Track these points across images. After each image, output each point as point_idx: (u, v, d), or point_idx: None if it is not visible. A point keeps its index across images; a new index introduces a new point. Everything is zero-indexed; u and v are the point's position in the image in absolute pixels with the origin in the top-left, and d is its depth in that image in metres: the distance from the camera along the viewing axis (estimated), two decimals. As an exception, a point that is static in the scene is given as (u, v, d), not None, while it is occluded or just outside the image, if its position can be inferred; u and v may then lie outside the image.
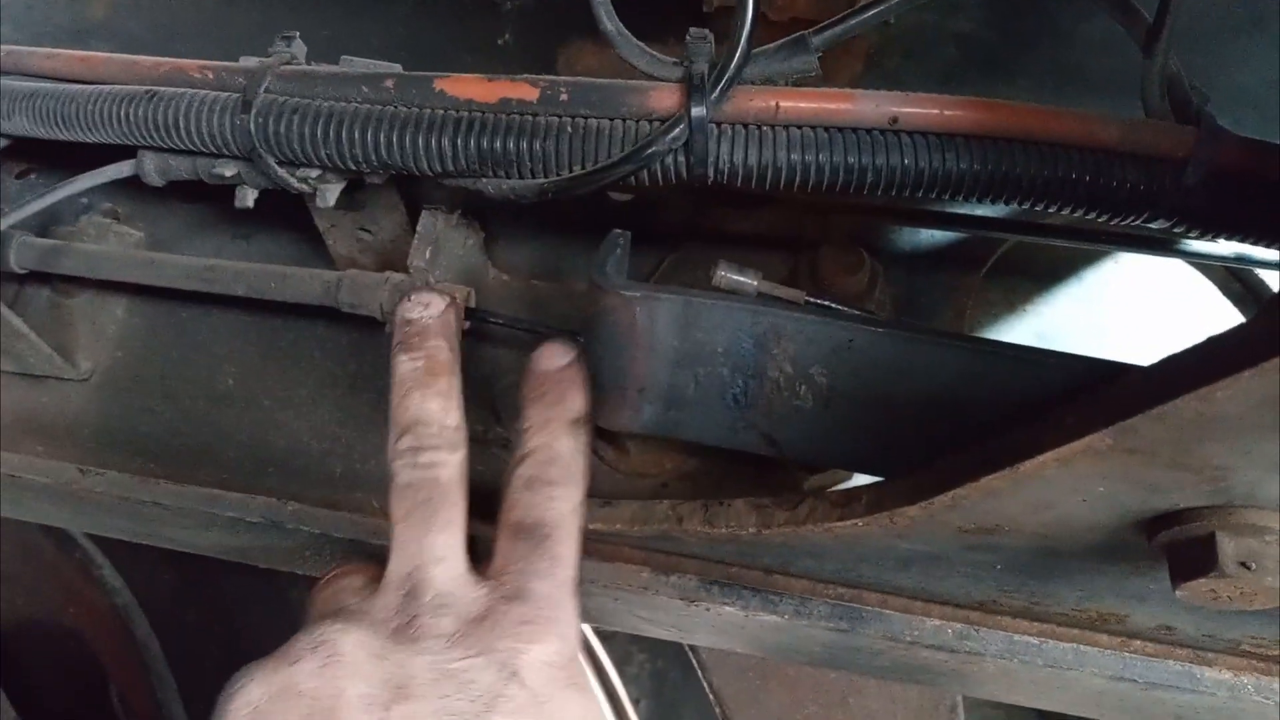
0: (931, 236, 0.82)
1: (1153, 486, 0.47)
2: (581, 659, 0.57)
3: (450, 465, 0.59)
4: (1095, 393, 0.50)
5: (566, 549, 0.58)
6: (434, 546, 0.56)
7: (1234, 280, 0.83)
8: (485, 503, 0.63)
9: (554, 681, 0.53)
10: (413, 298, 0.63)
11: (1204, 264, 0.81)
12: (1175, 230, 0.59)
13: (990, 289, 0.84)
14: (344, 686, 0.50)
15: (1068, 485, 0.48)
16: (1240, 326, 0.42)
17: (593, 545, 0.66)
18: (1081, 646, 0.62)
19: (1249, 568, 0.47)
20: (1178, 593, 0.49)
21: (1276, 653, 0.64)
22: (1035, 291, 0.85)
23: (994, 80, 0.85)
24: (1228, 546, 0.47)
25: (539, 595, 0.55)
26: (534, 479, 0.59)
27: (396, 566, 0.56)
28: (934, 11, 0.84)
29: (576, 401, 0.62)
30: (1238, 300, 0.83)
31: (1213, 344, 0.43)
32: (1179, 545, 0.49)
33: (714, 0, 0.78)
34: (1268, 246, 0.59)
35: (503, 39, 0.91)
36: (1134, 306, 0.85)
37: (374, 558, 0.60)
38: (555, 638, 0.54)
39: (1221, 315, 0.83)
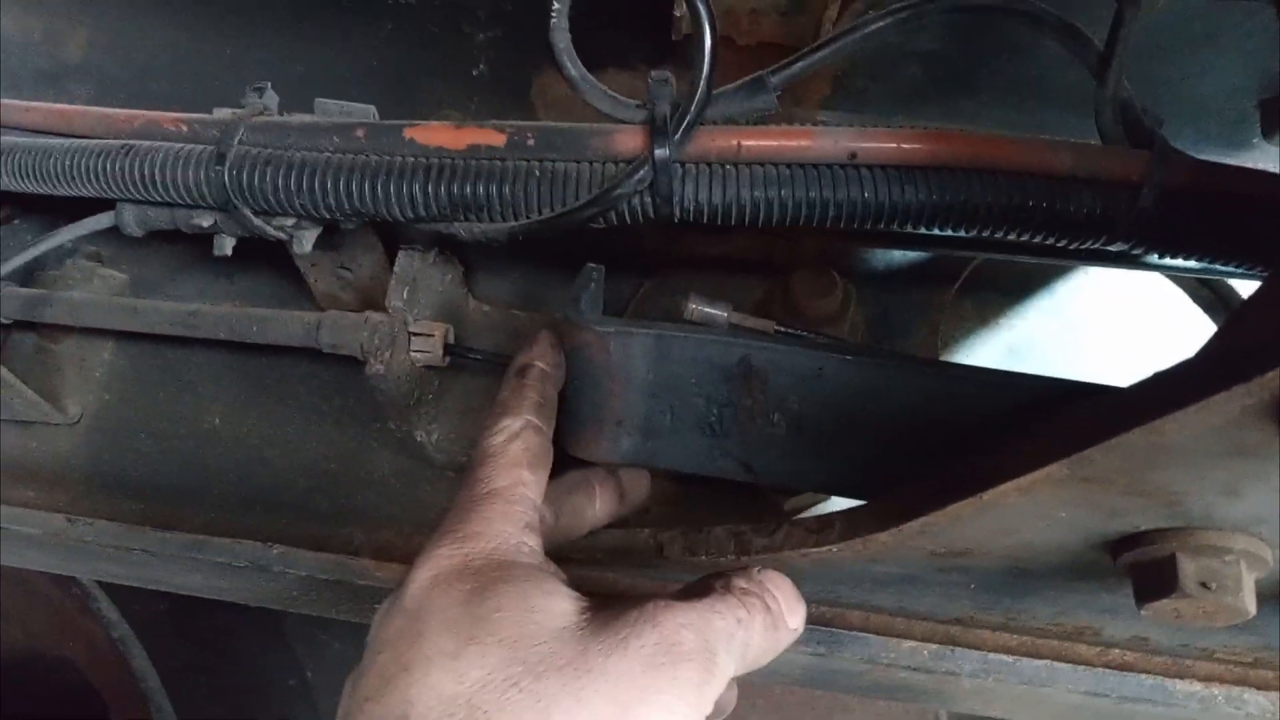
0: (903, 255, 0.83)
1: (1112, 511, 0.48)
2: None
3: None
4: (1054, 421, 0.52)
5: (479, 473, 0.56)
6: None
7: (1203, 288, 0.84)
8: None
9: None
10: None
11: (1173, 274, 0.82)
12: (1134, 252, 0.60)
13: (962, 304, 0.85)
14: None
15: (1031, 511, 0.49)
16: (1187, 361, 0.43)
17: (576, 574, 0.67)
18: (1055, 664, 0.63)
19: (1209, 588, 0.48)
20: (1142, 612, 0.50)
21: (1250, 660, 0.66)
22: (1007, 305, 0.86)
23: (958, 97, 0.86)
24: (1188, 568, 0.48)
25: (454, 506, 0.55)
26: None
27: None
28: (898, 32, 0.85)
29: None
30: (1208, 307, 0.84)
31: (1162, 377, 0.44)
32: (1141, 566, 0.50)
33: (681, 28, 0.79)
34: (1225, 264, 0.61)
35: (477, 69, 0.92)
36: (1105, 317, 0.86)
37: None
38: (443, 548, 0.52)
39: (1192, 323, 0.84)
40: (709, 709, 0.48)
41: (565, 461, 0.71)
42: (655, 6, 0.77)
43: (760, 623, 0.52)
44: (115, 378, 0.83)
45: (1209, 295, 0.84)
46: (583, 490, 0.66)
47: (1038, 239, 0.60)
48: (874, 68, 0.86)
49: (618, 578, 0.70)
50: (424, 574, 0.50)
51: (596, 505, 0.66)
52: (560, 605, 0.49)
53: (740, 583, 0.53)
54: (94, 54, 0.95)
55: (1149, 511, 0.47)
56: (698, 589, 0.53)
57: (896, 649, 0.64)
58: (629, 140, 0.58)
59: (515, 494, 0.55)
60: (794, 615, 0.54)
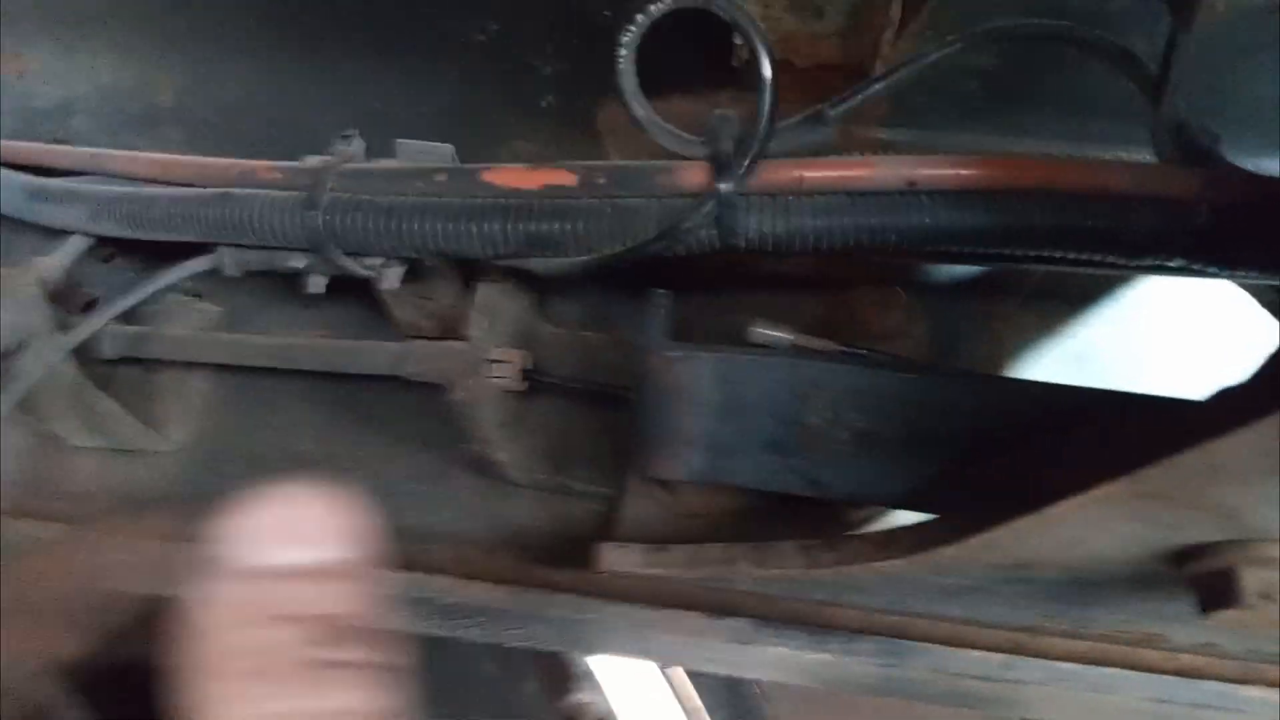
0: (965, 269, 0.85)
1: (1171, 525, 0.49)
2: None
3: None
4: (1115, 439, 0.53)
5: None
6: None
7: (1273, 293, 0.83)
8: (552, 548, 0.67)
9: None
10: None
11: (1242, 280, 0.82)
12: (1193, 269, 0.61)
13: (1025, 315, 0.86)
14: None
15: (1092, 525, 0.51)
16: (1244, 382, 0.45)
17: (649, 589, 0.70)
18: (1122, 671, 0.64)
19: (1271, 599, 0.49)
20: (1208, 623, 0.52)
21: (1322, 664, 0.66)
22: (1071, 315, 0.86)
23: (1017, 112, 0.87)
24: (1249, 580, 0.49)
25: None
26: None
27: None
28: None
29: None
30: (1277, 313, 0.84)
31: (1218, 398, 0.46)
32: (1203, 578, 0.52)
33: (742, 55, 0.81)
34: (1283, 280, 0.61)
35: (545, 101, 0.95)
36: (1172, 324, 0.86)
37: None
38: None
39: (1261, 330, 0.84)
40: None
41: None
42: (716, 32, 0.80)
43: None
44: (212, 406, 0.87)
45: (1277, 300, 0.83)
46: None
47: (1096, 258, 0.61)
48: (932, 85, 0.87)
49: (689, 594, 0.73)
50: None
51: None
52: None
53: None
54: (184, 98, 1.00)
55: (1207, 525, 0.49)
56: None
57: (965, 658, 0.66)
58: (694, 175, 0.61)
59: None
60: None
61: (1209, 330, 0.86)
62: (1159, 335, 0.86)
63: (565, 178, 0.62)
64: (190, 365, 0.86)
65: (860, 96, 0.61)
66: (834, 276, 0.82)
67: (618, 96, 0.60)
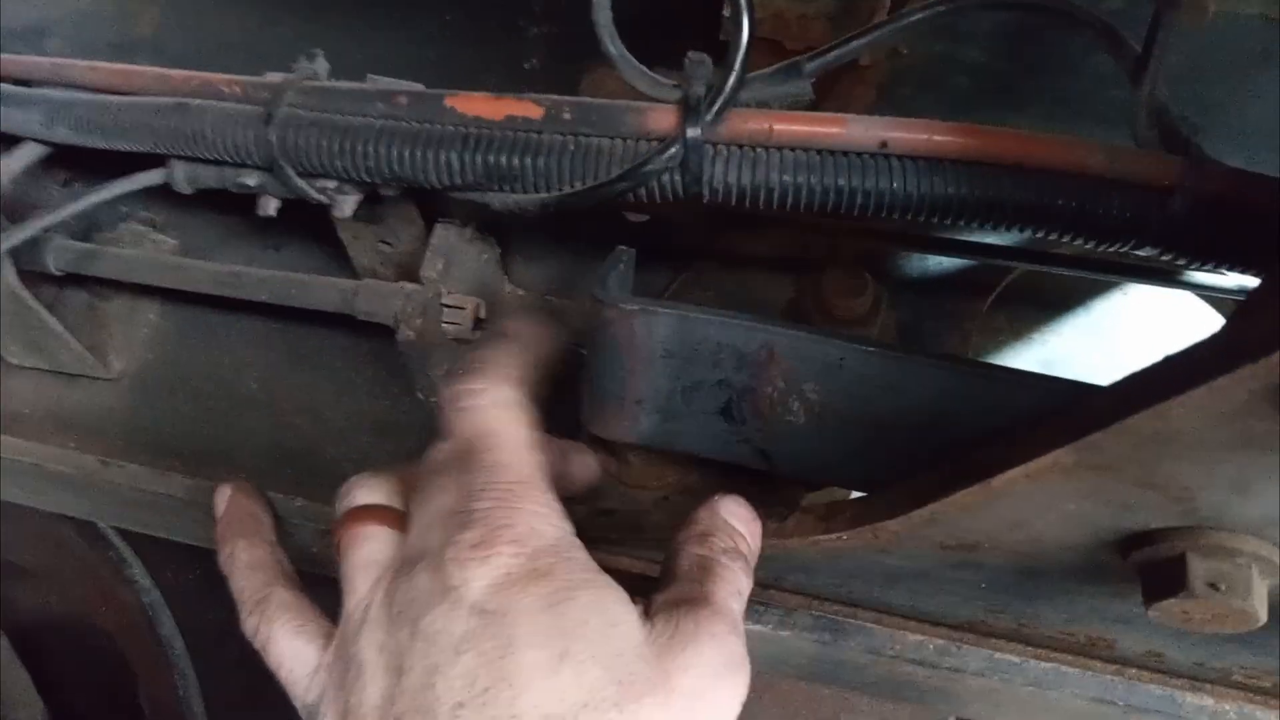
0: (940, 263, 0.83)
1: (1122, 505, 0.48)
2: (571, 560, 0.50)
3: None
4: (1065, 410, 0.51)
5: (498, 455, 0.52)
6: None
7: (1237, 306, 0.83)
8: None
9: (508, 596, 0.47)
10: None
11: (1212, 296, 0.81)
12: (1163, 258, 0.60)
13: (996, 316, 0.85)
14: None
15: (1039, 502, 0.49)
16: (1196, 344, 0.43)
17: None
18: (1062, 667, 0.62)
19: (1218, 589, 0.47)
20: (1150, 613, 0.50)
21: (1270, 683, 0.64)
22: (1042, 320, 0.85)
23: (1004, 110, 0.86)
24: (1198, 568, 0.48)
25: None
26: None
27: None
28: (945, 42, 0.85)
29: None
30: (1246, 331, 0.83)
31: (1170, 361, 0.44)
32: (1151, 565, 0.50)
33: (730, 28, 0.80)
34: (1255, 275, 0.60)
35: (529, 63, 0.94)
36: (1142, 338, 0.85)
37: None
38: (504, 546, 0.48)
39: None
40: None
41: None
42: (707, 8, 0.79)
43: (748, 573, 0.56)
44: (159, 338, 0.85)
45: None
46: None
47: (1065, 239, 0.60)
48: (921, 77, 0.86)
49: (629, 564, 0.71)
50: (491, 572, 0.47)
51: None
52: (629, 617, 0.50)
53: (720, 542, 0.56)
54: (164, 30, 0.98)
55: (1160, 508, 0.47)
56: (696, 568, 0.55)
57: (902, 641, 0.64)
58: (662, 119, 0.59)
59: (546, 482, 0.53)
60: (755, 539, 0.59)
61: (1180, 344, 0.84)
62: (1129, 348, 0.85)
63: (530, 109, 0.61)
64: (140, 294, 0.84)
65: (838, 51, 0.59)
66: (808, 259, 0.80)
67: (593, 30, 0.59)
